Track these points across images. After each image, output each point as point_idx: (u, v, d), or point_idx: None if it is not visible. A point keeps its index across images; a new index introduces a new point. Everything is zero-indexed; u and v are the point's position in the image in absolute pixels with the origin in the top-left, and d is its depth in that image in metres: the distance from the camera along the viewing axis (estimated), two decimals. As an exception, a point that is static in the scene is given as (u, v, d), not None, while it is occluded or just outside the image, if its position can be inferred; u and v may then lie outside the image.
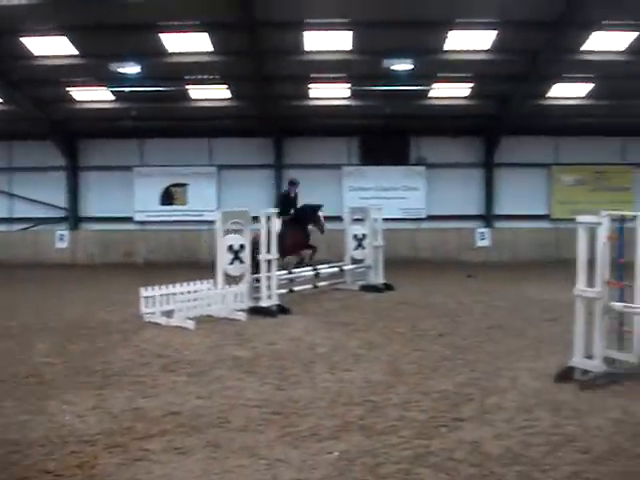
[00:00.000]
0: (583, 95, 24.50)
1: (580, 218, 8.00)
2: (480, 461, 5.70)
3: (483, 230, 27.13)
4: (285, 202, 17.23)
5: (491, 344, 10.56)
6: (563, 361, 8.34)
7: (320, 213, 16.71)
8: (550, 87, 23.72)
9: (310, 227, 16.91)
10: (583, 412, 6.94)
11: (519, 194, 27.32)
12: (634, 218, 8.15)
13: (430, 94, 24.48)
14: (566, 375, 8.05)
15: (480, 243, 26.95)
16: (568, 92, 24.27)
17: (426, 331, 11.65)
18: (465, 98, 24.74)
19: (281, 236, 15.07)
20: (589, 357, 8.01)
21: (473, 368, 8.91)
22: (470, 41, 20.20)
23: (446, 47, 20.38)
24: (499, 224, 27.46)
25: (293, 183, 17.66)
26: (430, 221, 27.15)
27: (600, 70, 22.21)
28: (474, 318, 13.03)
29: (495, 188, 27.55)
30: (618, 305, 7.99)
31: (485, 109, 25.22)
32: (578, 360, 8.04)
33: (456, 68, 22.02)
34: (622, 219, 8.20)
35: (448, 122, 26.25)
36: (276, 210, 14.69)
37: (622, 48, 20.58)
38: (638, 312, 7.95)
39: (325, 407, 7.22)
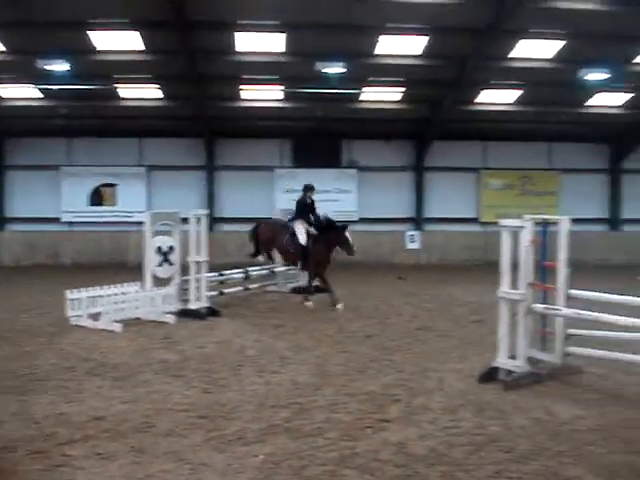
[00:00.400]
0: (512, 101, 25.05)
1: (503, 222, 8.16)
2: (405, 462, 5.76)
3: (414, 233, 27.44)
4: (302, 209, 15.50)
5: (419, 345, 10.68)
6: (488, 362, 8.49)
7: (347, 233, 14.81)
8: (479, 93, 24.18)
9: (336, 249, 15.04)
10: (506, 412, 7.08)
11: (449, 197, 27.76)
12: (556, 222, 8.34)
13: (362, 97, 24.67)
14: (490, 376, 8.19)
15: (411, 246, 27.25)
16: (497, 98, 24.79)
17: (355, 333, 11.72)
18: (397, 102, 25.00)
19: (306, 249, 14.92)
20: (513, 358, 8.17)
21: (400, 369, 8.99)
22: (402, 46, 20.44)
23: (377, 51, 20.59)
24: (429, 227, 27.83)
25: (308, 188, 15.74)
26: (362, 224, 27.29)
27: (528, 77, 22.75)
28: (403, 320, 13.17)
29: (425, 191, 27.92)
30: (540, 307, 8.18)
31: (416, 113, 25.52)
32: (502, 361, 8.20)
33: (388, 72, 22.22)
34: (545, 223, 8.39)
35: (380, 126, 26.49)
36: (294, 217, 15.11)
37: (550, 56, 21.12)
38: (559, 314, 8.14)
39: (252, 410, 7.18)
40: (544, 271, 8.42)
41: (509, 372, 8.09)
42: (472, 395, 7.67)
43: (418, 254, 26.99)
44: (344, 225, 15.10)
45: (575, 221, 8.52)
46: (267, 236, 15.81)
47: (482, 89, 23.89)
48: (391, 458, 5.84)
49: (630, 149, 28.25)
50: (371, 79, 23.02)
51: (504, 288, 8.14)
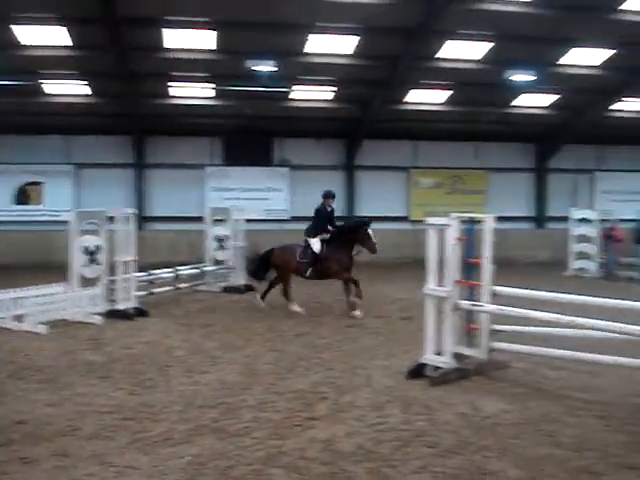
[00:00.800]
0: (441, 101, 25.42)
1: (430, 220, 8.27)
2: (331, 459, 5.77)
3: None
4: (322, 220, 14.10)
5: (348, 343, 10.74)
6: (416, 358, 8.58)
7: (370, 230, 13.63)
8: (408, 92, 24.46)
9: (357, 248, 13.84)
10: (433, 408, 7.17)
11: (380, 196, 28.00)
12: (482, 220, 8.48)
13: (293, 96, 24.69)
14: (418, 372, 8.28)
15: (342, 244, 27.34)
16: (426, 98, 25.12)
17: (285, 331, 11.71)
18: (328, 101, 25.10)
19: (317, 257, 13.79)
20: (439, 354, 8.28)
21: (329, 367, 9.02)
22: (333, 45, 20.53)
23: (308, 50, 20.61)
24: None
25: (328, 195, 14.33)
26: (294, 222, 27.27)
27: (457, 78, 23.14)
28: (332, 317, 13.22)
29: (356, 190, 28.10)
30: (466, 303, 8.31)
31: (347, 112, 25.67)
32: (429, 357, 8.30)
33: (319, 71, 22.30)
34: (471, 221, 8.52)
35: (311, 124, 26.56)
36: (311, 229, 14.09)
37: (478, 57, 21.51)
38: (484, 310, 8.28)
39: (179, 411, 7.10)
40: (470, 268, 8.55)
41: (436, 368, 8.19)
42: (399, 391, 7.74)
43: (350, 252, 27.08)
44: (366, 220, 14.24)
45: (503, 219, 8.70)
46: (283, 259, 14.25)
47: (411, 89, 24.17)
48: (318, 456, 5.85)
49: (555, 149, 29.00)
50: (302, 78, 23.06)
51: (431, 285, 8.25)
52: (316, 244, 13.90)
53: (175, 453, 5.93)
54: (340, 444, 6.12)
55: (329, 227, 14.08)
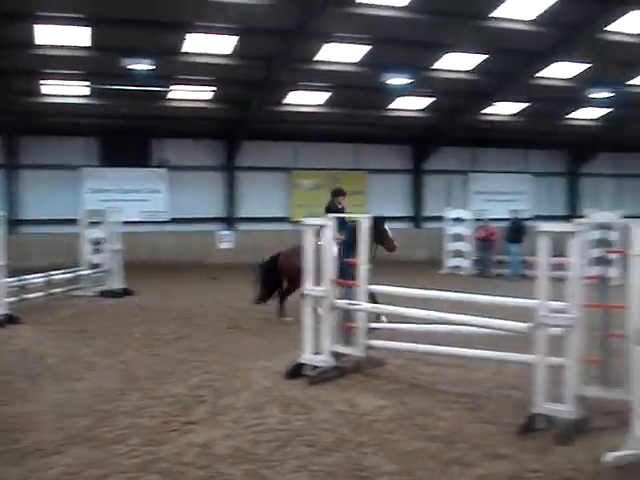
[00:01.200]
0: (320, 103, 25.69)
1: (306, 220, 8.33)
2: (209, 462, 5.71)
3: (226, 232, 27.45)
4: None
5: (229, 345, 10.67)
6: (295, 358, 8.62)
7: (386, 227, 12.68)
8: (287, 94, 24.58)
9: (375, 248, 11.88)
10: (311, 407, 7.21)
11: (261, 197, 28.06)
12: (357, 220, 8.62)
13: (171, 96, 24.35)
14: (297, 372, 8.32)
15: (223, 245, 27.25)
16: (305, 100, 25.33)
17: (164, 335, 11.51)
18: (207, 101, 24.91)
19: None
20: (318, 353, 8.35)
21: (209, 370, 8.92)
22: (211, 45, 20.39)
23: (186, 49, 20.37)
24: (242, 226, 27.94)
25: (339, 192, 13.04)
26: (173, 224, 26.94)
27: (335, 80, 23.44)
28: (214, 320, 13.12)
29: (238, 191, 28.02)
30: (342, 302, 8.42)
31: (226, 113, 25.56)
32: (308, 356, 8.36)
33: (197, 71, 22.11)
34: (348, 222, 8.65)
35: (190, 125, 26.29)
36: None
37: (355, 60, 21.87)
38: (360, 308, 8.42)
39: (51, 420, 6.84)
40: (347, 268, 8.66)
41: (314, 367, 8.26)
42: (278, 392, 7.75)
43: (231, 254, 27.00)
44: (382, 217, 12.88)
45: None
46: (296, 264, 11.17)
47: (290, 90, 24.33)
48: (195, 460, 5.78)
49: (431, 150, 29.86)
50: (180, 77, 22.79)
51: (308, 285, 8.31)
52: (333, 246, 12.21)
53: (46, 464, 5.71)
54: (218, 447, 6.07)
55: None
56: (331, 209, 12.18)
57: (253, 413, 7.00)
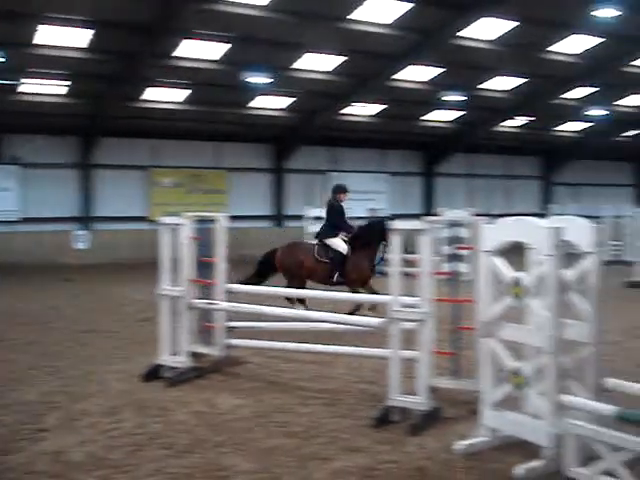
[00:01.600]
0: (180, 100, 25.36)
1: (162, 219, 8.23)
2: (61, 471, 5.53)
3: (82, 232, 26.60)
4: (338, 215, 12.05)
5: (83, 348, 10.35)
6: (153, 360, 8.48)
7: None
8: (145, 90, 24.11)
9: (383, 248, 11.60)
10: (168, 409, 7.12)
11: (118, 196, 27.38)
12: (214, 219, 8.58)
13: (23, 89, 23.30)
14: (154, 374, 8.19)
15: (79, 245, 26.40)
16: (165, 96, 24.94)
17: (14, 340, 10.99)
18: (61, 96, 24.02)
19: (344, 259, 11.62)
20: (175, 354, 8.25)
21: (62, 375, 8.62)
22: (65, 38, 19.65)
23: (37, 41, 19.55)
24: (98, 226, 27.16)
25: (341, 190, 12.40)
26: (25, 224, 25.81)
27: (195, 77, 23.19)
28: (68, 323, 12.68)
29: (94, 189, 27.20)
30: (200, 302, 8.36)
31: (82, 108, 24.74)
32: (165, 358, 8.24)
33: (50, 64, 21.24)
34: (205, 220, 8.59)
35: (44, 120, 25.26)
36: (328, 228, 11.88)
37: (216, 57, 21.72)
38: (217, 308, 8.39)
39: None
40: (205, 267, 8.61)
41: (172, 368, 8.16)
42: (134, 395, 7.60)
43: (87, 254, 26.19)
44: (386, 217, 12.29)
45: (243, 218, 8.85)
46: (294, 259, 11.75)
47: (149, 86, 23.86)
48: (47, 468, 5.58)
49: (292, 150, 30.14)
50: (32, 70, 21.85)
51: (164, 285, 8.20)
52: (341, 244, 11.75)
53: None
54: (71, 454, 5.88)
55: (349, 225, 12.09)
56: (335, 206, 12.15)
57: (109, 418, 6.83)
